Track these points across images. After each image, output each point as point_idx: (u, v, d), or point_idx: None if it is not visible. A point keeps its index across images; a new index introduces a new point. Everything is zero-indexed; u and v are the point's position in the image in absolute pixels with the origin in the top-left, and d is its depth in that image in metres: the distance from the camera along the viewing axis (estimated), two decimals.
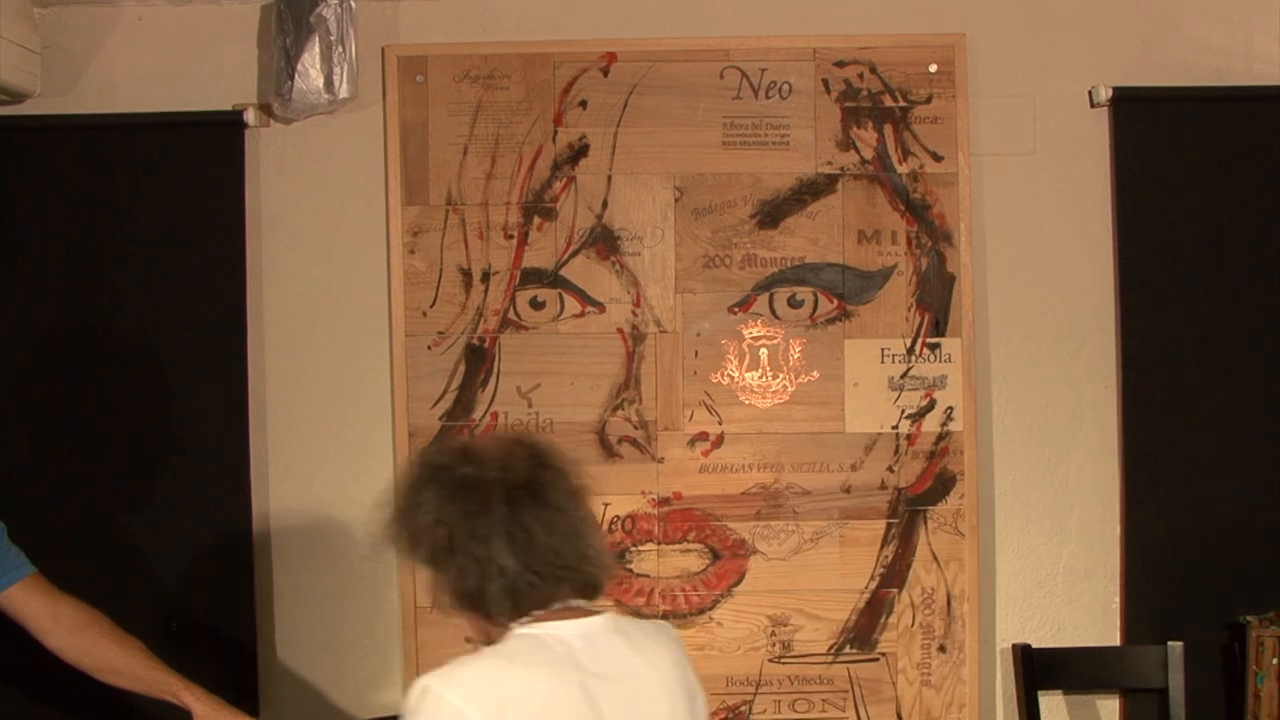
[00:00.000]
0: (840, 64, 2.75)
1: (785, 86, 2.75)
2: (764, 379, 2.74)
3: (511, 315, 2.74)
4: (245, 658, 2.70)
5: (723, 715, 2.73)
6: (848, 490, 2.74)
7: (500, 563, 1.50)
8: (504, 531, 1.50)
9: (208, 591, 2.70)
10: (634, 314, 2.74)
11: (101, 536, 2.69)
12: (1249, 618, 2.70)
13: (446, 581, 1.54)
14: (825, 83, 2.75)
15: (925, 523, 2.75)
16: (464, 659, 1.48)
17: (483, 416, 2.74)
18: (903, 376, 2.75)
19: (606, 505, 2.72)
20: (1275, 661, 2.68)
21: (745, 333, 2.75)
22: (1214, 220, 2.76)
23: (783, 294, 2.75)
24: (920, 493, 2.75)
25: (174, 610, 2.67)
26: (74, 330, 2.71)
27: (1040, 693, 2.73)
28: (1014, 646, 2.76)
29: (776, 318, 2.75)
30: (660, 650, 1.60)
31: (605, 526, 2.72)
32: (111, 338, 2.71)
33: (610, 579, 1.63)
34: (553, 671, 1.47)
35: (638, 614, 2.72)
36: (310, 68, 2.64)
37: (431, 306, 2.74)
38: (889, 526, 2.75)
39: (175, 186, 2.71)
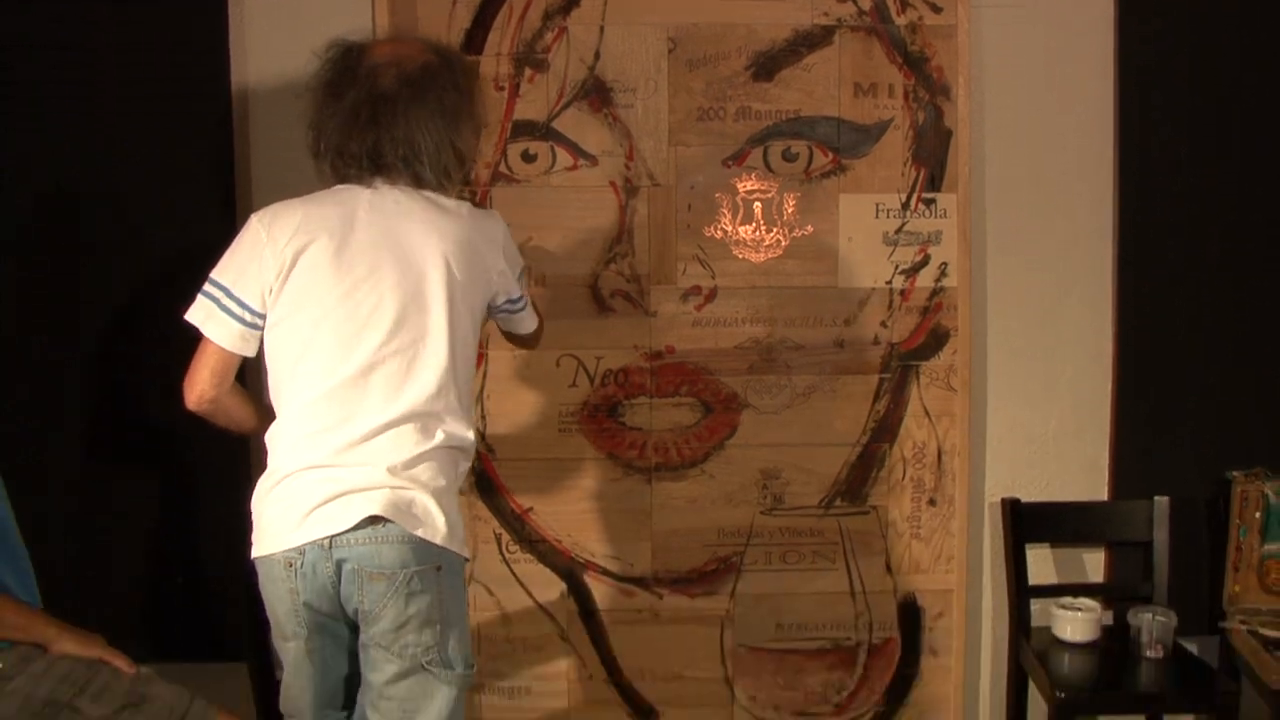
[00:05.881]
0: None
1: None
2: (758, 233, 2.72)
3: (503, 168, 2.70)
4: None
5: (714, 566, 2.77)
6: (840, 345, 2.74)
7: (325, 140, 2.04)
8: (331, 115, 2.02)
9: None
10: (627, 167, 2.70)
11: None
12: (1234, 473, 2.73)
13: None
14: None
15: (917, 378, 2.75)
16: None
17: None
18: (897, 232, 2.73)
19: (599, 359, 2.72)
20: (1258, 515, 2.71)
21: (739, 186, 2.71)
22: (1219, 73, 2.71)
23: (777, 147, 2.71)
24: (913, 348, 2.75)
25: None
26: (60, 198, 2.67)
27: (1028, 545, 2.77)
28: (1002, 500, 2.79)
29: (771, 171, 2.71)
30: (442, 219, 2.04)
31: (598, 380, 2.73)
32: (96, 213, 2.65)
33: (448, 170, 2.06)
34: (328, 204, 2.03)
35: (630, 466, 2.75)
36: None
37: None
38: (881, 381, 2.75)
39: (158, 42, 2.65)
